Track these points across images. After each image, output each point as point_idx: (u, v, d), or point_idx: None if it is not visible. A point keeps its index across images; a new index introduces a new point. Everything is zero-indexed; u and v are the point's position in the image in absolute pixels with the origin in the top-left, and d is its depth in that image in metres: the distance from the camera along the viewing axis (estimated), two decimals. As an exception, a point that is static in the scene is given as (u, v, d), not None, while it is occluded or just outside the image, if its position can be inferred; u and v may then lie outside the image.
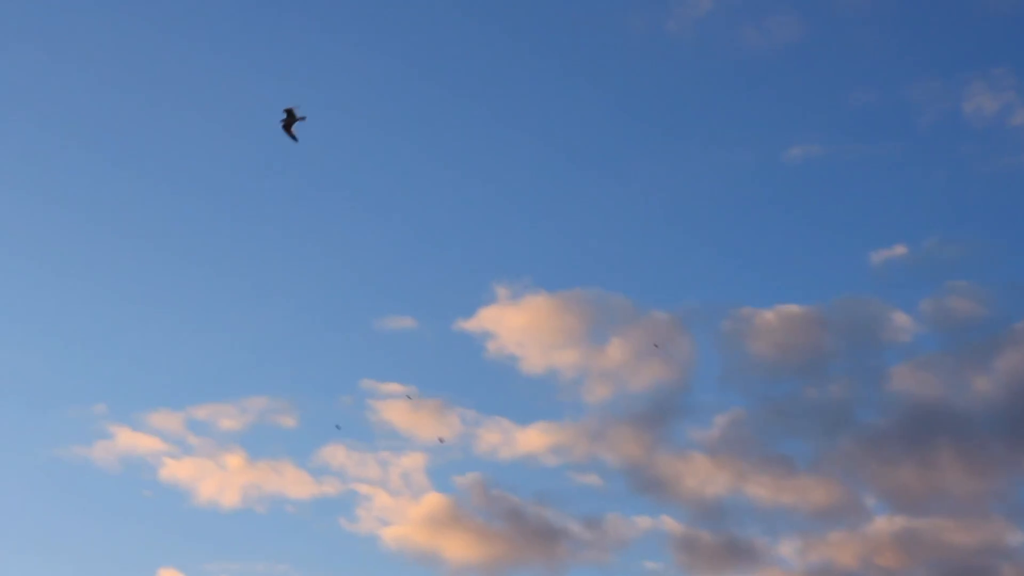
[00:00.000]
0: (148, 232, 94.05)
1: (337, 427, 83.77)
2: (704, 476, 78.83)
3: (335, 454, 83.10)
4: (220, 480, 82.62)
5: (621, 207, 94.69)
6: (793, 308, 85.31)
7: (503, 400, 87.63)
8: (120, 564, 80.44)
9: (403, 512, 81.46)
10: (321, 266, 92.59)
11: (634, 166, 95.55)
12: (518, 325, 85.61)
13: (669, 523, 78.37)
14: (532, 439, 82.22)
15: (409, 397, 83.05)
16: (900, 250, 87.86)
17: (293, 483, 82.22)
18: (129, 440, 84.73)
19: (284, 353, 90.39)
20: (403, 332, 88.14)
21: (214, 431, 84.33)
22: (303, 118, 51.96)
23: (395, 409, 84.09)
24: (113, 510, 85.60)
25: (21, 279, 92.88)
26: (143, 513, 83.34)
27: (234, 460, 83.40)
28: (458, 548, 78.59)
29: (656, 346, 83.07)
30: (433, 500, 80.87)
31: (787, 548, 75.58)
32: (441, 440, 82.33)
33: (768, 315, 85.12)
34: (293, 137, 51.97)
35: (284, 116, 51.90)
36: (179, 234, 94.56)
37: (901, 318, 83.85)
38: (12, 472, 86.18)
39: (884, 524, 76.11)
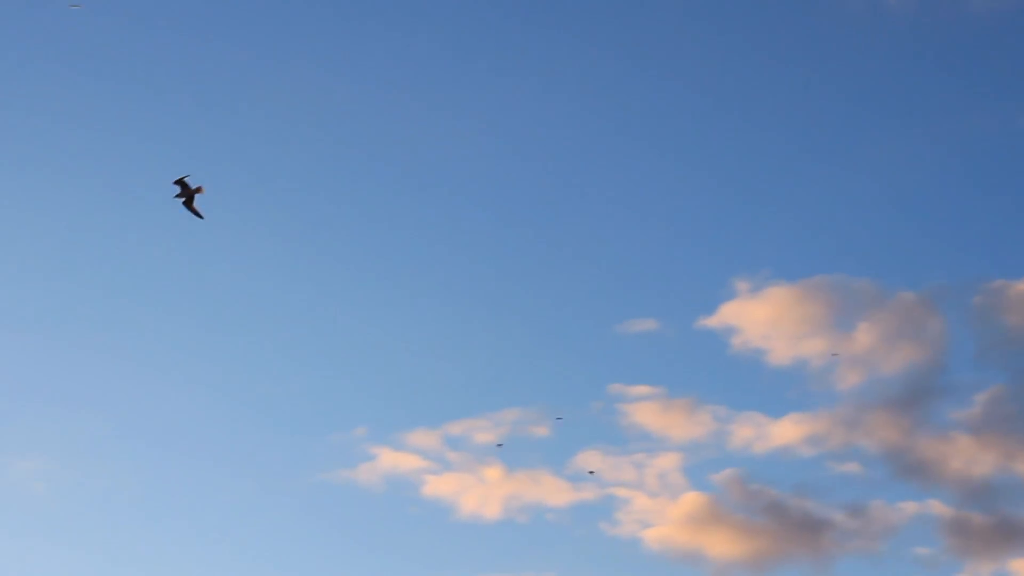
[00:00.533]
0: (397, 256, 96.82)
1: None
2: (969, 456, 76.94)
3: (590, 460, 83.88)
4: (481, 493, 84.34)
5: (856, 189, 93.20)
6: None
7: (753, 394, 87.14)
8: None
9: (663, 513, 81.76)
10: (561, 275, 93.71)
11: (864, 146, 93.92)
12: (761, 318, 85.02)
13: (937, 507, 76.71)
14: (786, 431, 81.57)
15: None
16: None
17: (551, 491, 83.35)
18: (391, 460, 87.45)
19: (532, 364, 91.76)
20: (646, 334, 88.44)
21: (471, 446, 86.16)
22: (199, 189, 46.26)
23: (645, 411, 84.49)
24: (381, 529, 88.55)
25: (288, 313, 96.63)
26: (410, 530, 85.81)
27: (492, 473, 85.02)
28: (721, 545, 78.48)
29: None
30: (692, 499, 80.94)
31: (1065, 524, 73.38)
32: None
33: (1021, 287, 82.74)
34: (198, 214, 46.47)
35: (179, 190, 46.21)
36: (426, 258, 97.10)
37: None
38: (283, 499, 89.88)
39: None
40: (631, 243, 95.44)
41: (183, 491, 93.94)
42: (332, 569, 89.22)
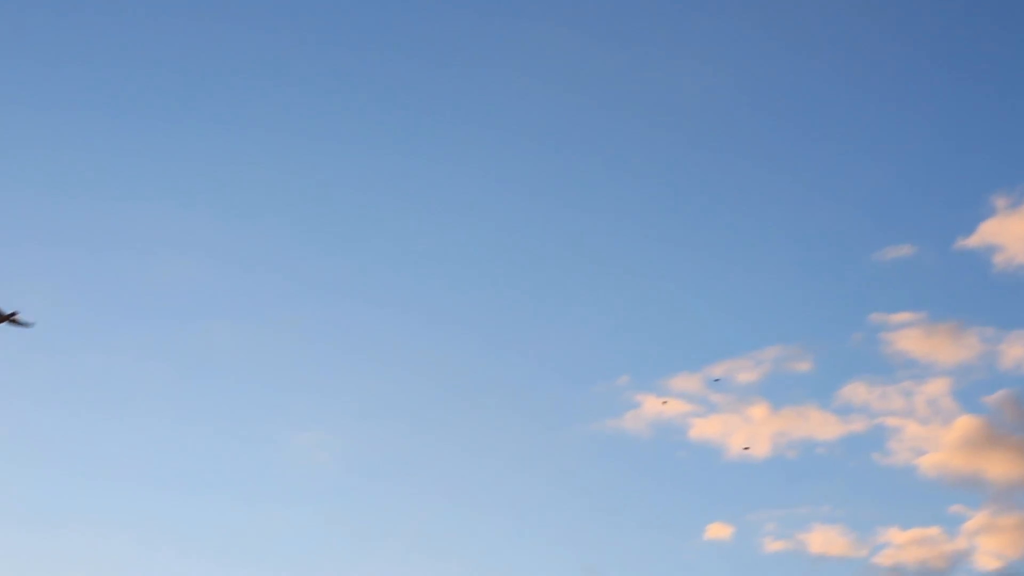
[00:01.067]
0: (649, 204, 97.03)
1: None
2: None
3: (856, 392, 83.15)
4: (747, 432, 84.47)
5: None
6: None
7: (1022, 312, 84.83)
8: (671, 523, 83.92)
9: (936, 439, 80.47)
10: (813, 208, 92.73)
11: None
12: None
13: None
14: (1060, 348, 79.22)
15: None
16: None
17: (819, 425, 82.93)
18: (655, 406, 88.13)
19: (789, 301, 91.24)
20: (903, 260, 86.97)
21: (734, 386, 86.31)
22: (13, 315, 51.66)
23: (909, 338, 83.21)
24: (652, 474, 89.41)
25: (553, 271, 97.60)
26: (680, 474, 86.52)
27: (758, 411, 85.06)
28: (999, 467, 76.93)
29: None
30: (965, 423, 79.49)
31: None
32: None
33: None
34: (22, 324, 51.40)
35: None
36: (674, 203, 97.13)
37: None
38: (554, 450, 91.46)
39: None
40: (881, 169, 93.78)
41: (456, 449, 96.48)
42: (613, 512, 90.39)
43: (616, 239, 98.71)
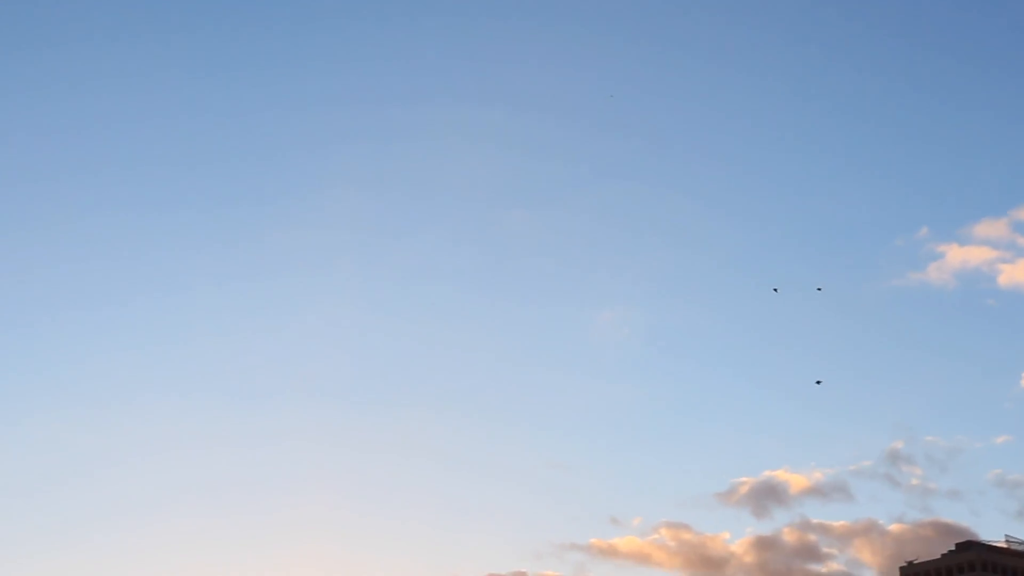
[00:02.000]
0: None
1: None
2: None
3: None
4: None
5: None
6: None
7: None
8: (985, 374, 71.61)
9: None
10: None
11: None
12: None
13: None
14: None
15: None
16: None
17: None
18: (959, 255, 75.73)
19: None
20: None
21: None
22: None
23: None
24: (960, 326, 77.97)
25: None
26: (991, 322, 74.42)
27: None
28: None
29: None
30: None
31: None
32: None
33: None
34: None
35: None
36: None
37: None
38: (854, 308, 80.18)
39: None
40: None
41: (754, 323, 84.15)
42: (916, 373, 77.68)
43: (906, 89, 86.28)
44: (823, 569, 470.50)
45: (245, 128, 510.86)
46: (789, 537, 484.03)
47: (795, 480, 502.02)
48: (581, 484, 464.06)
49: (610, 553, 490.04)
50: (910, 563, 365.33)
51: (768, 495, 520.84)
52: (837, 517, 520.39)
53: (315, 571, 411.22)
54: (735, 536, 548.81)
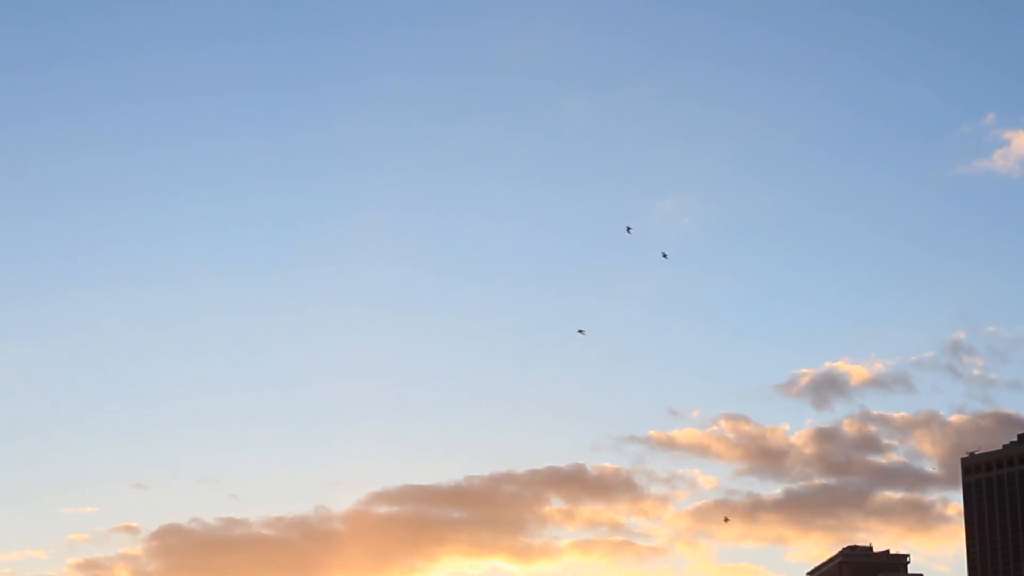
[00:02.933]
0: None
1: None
2: None
3: None
4: None
5: None
6: None
7: None
8: None
9: None
10: None
11: None
12: None
13: None
14: None
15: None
16: None
17: None
18: None
19: None
20: None
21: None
22: None
23: None
24: (1022, 214, 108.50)
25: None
26: None
27: None
28: None
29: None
30: None
31: None
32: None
33: None
34: None
35: None
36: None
37: None
38: (918, 198, 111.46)
39: None
40: None
41: (820, 207, 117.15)
42: (979, 264, 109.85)
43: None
44: (883, 460, 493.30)
45: (294, 10, 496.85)
46: (849, 428, 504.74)
47: (856, 371, 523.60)
48: (639, 376, 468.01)
49: (669, 445, 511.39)
50: (971, 454, 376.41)
51: (828, 386, 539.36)
52: (897, 408, 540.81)
53: (371, 463, 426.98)
54: (795, 428, 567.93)
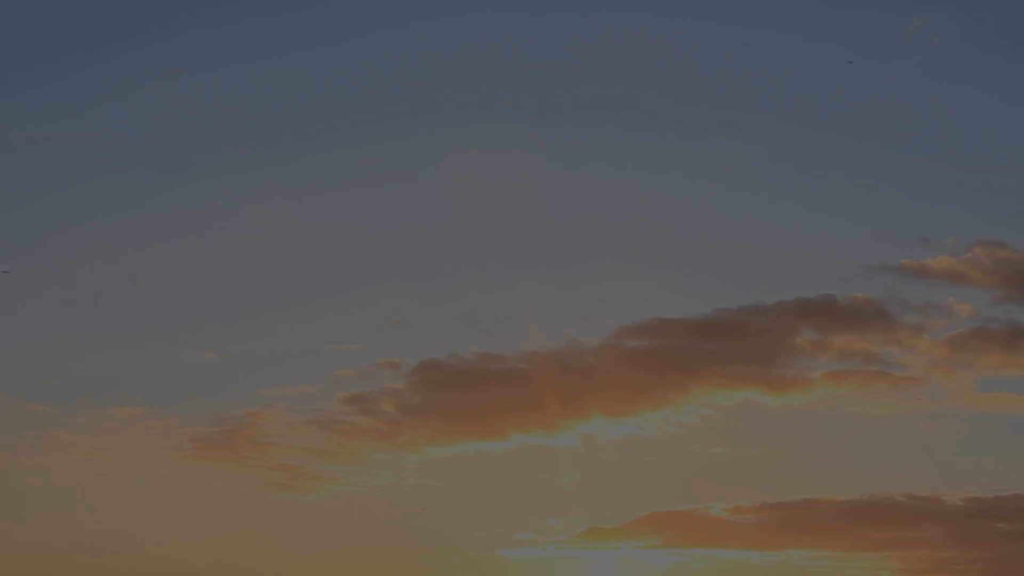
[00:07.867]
0: None
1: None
2: None
3: None
4: None
5: None
6: None
7: None
8: None
9: None
10: None
11: None
12: None
13: None
14: None
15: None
16: None
17: None
18: None
19: None
20: None
21: None
22: None
23: None
24: None
25: None
26: None
27: None
28: None
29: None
30: None
31: None
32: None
33: None
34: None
35: None
36: None
37: None
38: None
39: None
40: None
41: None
42: None
43: None
44: None
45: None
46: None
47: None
48: (890, 201, 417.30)
49: (922, 273, 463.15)
50: None
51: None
52: None
53: (620, 298, 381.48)
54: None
